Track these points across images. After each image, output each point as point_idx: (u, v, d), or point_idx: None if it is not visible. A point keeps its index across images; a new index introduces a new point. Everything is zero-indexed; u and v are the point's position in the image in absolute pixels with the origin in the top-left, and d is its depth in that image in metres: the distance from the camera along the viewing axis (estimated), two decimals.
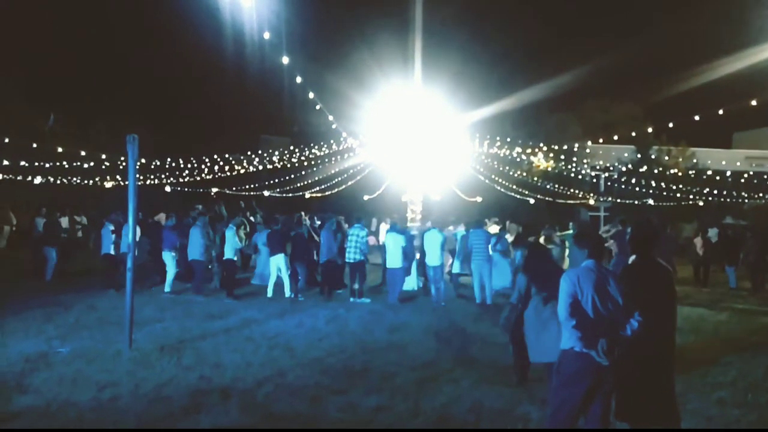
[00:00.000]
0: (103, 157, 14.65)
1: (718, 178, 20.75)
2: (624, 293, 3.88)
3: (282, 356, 6.80)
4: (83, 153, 14.12)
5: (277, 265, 10.61)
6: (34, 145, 13.06)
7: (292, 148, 19.09)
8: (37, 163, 15.99)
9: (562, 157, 19.51)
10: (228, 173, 20.30)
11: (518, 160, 20.68)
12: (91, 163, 15.59)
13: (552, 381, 3.96)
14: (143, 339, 7.32)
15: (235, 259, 11.22)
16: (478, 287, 10.58)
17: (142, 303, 9.56)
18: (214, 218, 12.11)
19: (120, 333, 7.24)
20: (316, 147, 18.40)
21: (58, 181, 19.21)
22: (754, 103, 8.57)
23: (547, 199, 27.00)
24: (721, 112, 9.16)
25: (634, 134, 14.60)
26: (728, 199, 23.51)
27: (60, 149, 13.59)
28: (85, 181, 19.91)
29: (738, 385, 6.08)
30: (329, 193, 28.77)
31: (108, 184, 20.13)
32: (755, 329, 8.94)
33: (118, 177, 19.12)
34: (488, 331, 8.33)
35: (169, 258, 10.94)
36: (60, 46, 23.79)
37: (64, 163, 15.71)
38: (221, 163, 18.36)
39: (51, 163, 16.05)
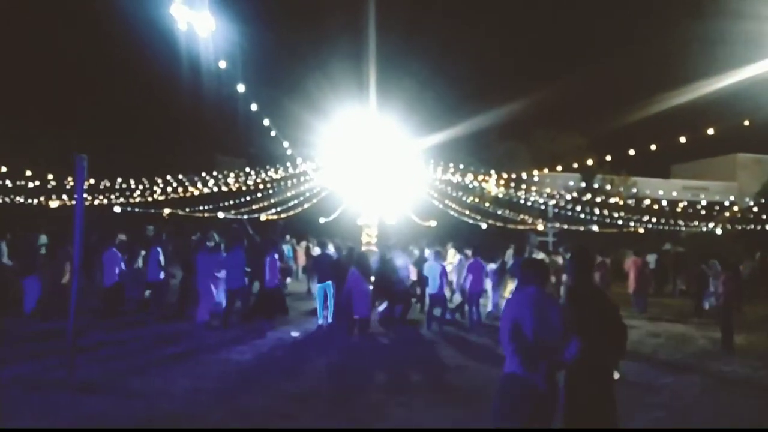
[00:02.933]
0: (50, 177, 14.13)
1: (656, 207, 21.93)
2: (563, 318, 4.08)
3: (234, 381, 6.73)
4: (29, 173, 13.58)
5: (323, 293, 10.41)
6: None
7: (247, 170, 18.97)
8: None
9: (512, 184, 20.21)
10: (182, 194, 19.95)
11: (471, 186, 21.24)
12: (37, 183, 15.02)
13: (495, 405, 4.09)
14: (88, 365, 7.08)
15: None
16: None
17: (88, 327, 9.26)
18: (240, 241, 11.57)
19: (64, 358, 7.00)
20: (273, 169, 18.38)
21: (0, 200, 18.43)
22: (683, 140, 9.25)
23: (498, 224, 27.74)
24: (654, 147, 9.83)
25: (576, 165, 15.32)
26: (666, 227, 24.77)
27: (4, 168, 13.02)
28: (29, 201, 19.13)
29: (673, 405, 6.42)
30: (285, 215, 28.62)
31: (53, 204, 19.41)
32: (691, 351, 9.44)
33: (64, 196, 18.47)
34: (441, 354, 8.50)
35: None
36: (9, 61, 22.93)
37: (7, 181, 15.09)
38: (174, 184, 18.03)
39: None
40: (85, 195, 6.99)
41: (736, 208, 26.43)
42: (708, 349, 9.63)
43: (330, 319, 10.41)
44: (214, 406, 5.83)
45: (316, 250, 11.64)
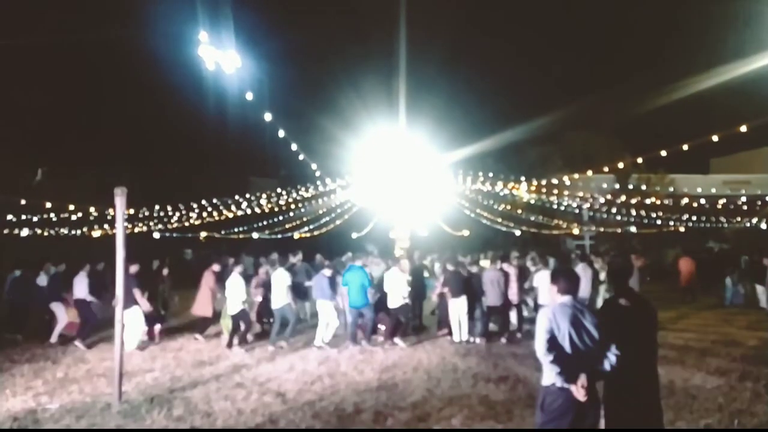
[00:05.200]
0: (92, 209, 14.70)
1: (695, 204, 21.21)
2: (601, 327, 4.00)
3: (273, 401, 6.80)
4: (72, 207, 14.18)
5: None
6: (23, 202, 13.04)
7: (279, 190, 19.29)
8: (24, 217, 16.03)
9: (544, 189, 19.94)
10: (217, 217, 20.42)
11: (502, 194, 21.08)
12: (79, 215, 15.67)
13: (536, 418, 4.05)
14: (133, 390, 7.30)
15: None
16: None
17: (131, 353, 9.53)
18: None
19: (109, 385, 7.22)
20: (303, 189, 18.65)
21: (45, 233, 19.22)
22: (715, 138, 8.98)
23: (532, 230, 27.38)
24: (686, 147, 9.53)
25: (606, 169, 15.00)
26: (708, 224, 23.93)
27: (48, 204, 13.61)
28: (73, 232, 19.92)
29: (724, 411, 6.18)
30: (318, 233, 28.97)
31: (95, 233, 20.15)
32: (741, 353, 9.06)
33: (105, 226, 19.15)
34: (478, 366, 8.40)
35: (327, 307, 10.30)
36: (48, 100, 24.08)
37: (52, 215, 15.78)
38: (209, 209, 18.49)
39: (38, 216, 16.10)
40: (125, 224, 7.24)
41: None
42: (760, 351, 9.25)
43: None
44: (255, 427, 5.91)
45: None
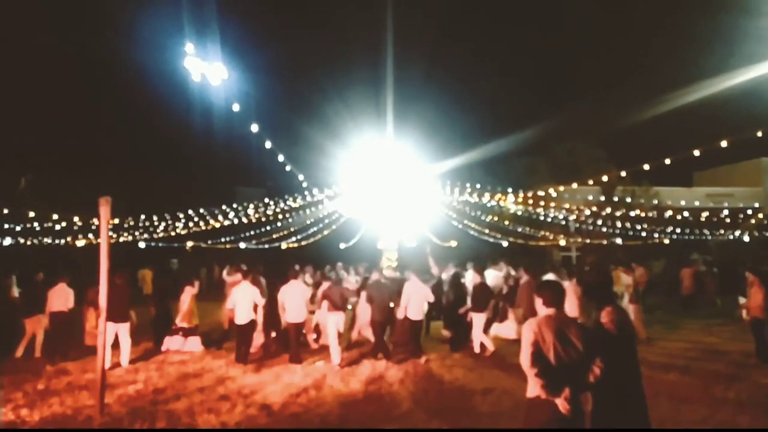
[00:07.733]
0: (76, 219, 14.54)
1: (679, 217, 21.51)
2: (585, 339, 4.02)
3: (258, 414, 6.74)
4: (56, 216, 14.01)
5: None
6: (5, 211, 12.85)
7: (266, 200, 19.22)
8: (7, 226, 15.83)
9: (531, 201, 20.08)
10: (203, 227, 20.28)
11: (489, 205, 21.21)
12: (63, 224, 15.49)
13: (523, 429, 4.06)
14: (115, 403, 7.18)
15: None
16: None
17: (114, 365, 9.38)
18: None
19: (91, 398, 7.11)
20: (291, 199, 18.61)
21: (28, 242, 18.99)
22: (697, 153, 9.17)
23: (519, 241, 27.55)
24: (668, 161, 9.71)
25: (591, 182, 15.09)
26: (692, 236, 24.26)
27: (32, 213, 13.43)
28: (56, 241, 19.70)
29: (709, 422, 6.23)
30: (305, 243, 28.92)
31: (79, 243, 19.92)
32: (726, 364, 9.16)
33: (90, 235, 18.96)
34: (464, 378, 8.39)
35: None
36: (34, 109, 23.96)
37: (35, 225, 15.58)
38: (196, 219, 18.36)
39: (22, 225, 15.91)
40: (110, 233, 7.16)
41: (761, 215, 25.77)
42: (742, 362, 9.35)
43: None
44: None
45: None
